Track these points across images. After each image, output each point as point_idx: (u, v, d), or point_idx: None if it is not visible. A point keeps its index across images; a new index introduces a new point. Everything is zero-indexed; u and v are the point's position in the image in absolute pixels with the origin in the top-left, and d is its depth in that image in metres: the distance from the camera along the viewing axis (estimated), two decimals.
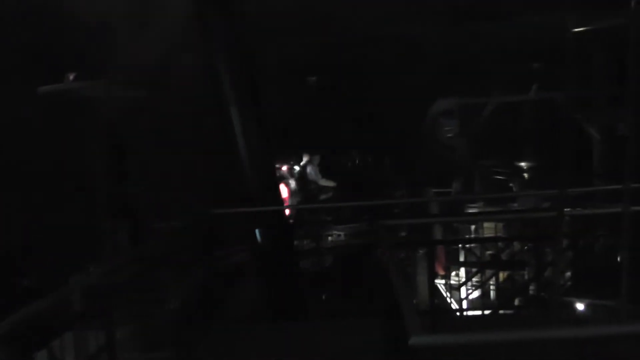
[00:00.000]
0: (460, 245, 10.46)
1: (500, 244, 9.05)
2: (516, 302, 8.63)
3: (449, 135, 15.39)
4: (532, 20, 11.22)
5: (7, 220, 7.00)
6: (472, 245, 9.56)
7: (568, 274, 7.43)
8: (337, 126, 15.06)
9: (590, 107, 12.27)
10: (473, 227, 10.79)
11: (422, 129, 15.28)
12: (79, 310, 4.26)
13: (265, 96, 7.49)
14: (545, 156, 13.38)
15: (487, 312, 7.37)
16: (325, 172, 13.18)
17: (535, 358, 3.23)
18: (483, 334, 2.90)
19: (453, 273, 10.99)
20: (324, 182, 12.87)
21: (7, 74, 7.02)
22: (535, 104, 13.94)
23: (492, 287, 9.00)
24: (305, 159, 12.99)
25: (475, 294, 9.22)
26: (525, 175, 14.27)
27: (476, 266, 9.17)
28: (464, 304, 9.02)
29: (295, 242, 9.63)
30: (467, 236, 10.82)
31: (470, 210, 11.71)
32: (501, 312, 7.60)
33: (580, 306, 7.38)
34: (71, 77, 6.17)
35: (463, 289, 9.63)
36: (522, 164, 14.33)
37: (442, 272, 10.66)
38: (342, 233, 11.07)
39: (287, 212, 10.86)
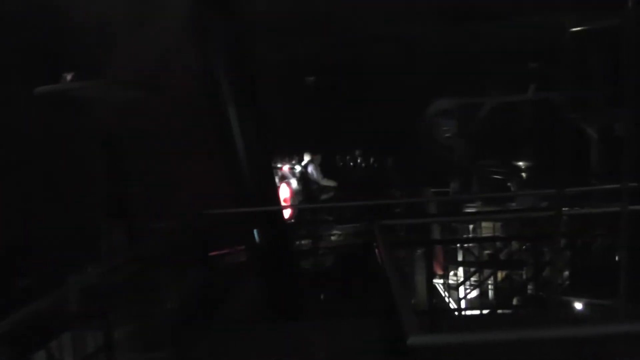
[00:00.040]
0: (458, 245, 10.47)
1: (498, 243, 9.07)
2: (514, 301, 8.63)
3: (447, 135, 15.42)
4: (530, 20, 11.22)
5: (4, 220, 6.98)
6: (470, 244, 9.58)
7: (566, 273, 7.44)
8: (337, 126, 15.07)
9: (588, 107, 12.27)
10: (471, 226, 10.82)
11: (420, 129, 15.31)
12: (77, 310, 4.26)
13: (265, 96, 7.50)
14: (543, 156, 13.40)
15: (485, 311, 7.37)
16: (326, 172, 13.20)
17: (534, 357, 3.23)
18: (481, 334, 2.90)
19: (451, 273, 11.00)
20: (326, 182, 12.89)
21: (7, 74, 7.01)
22: (533, 104, 13.96)
23: (490, 286, 8.99)
24: (306, 159, 13.00)
25: (474, 293, 9.22)
26: (523, 175, 14.28)
27: (474, 266, 9.17)
28: (462, 304, 9.03)
29: (297, 242, 9.67)
30: (465, 236, 10.85)
31: (468, 210, 11.72)
32: (499, 311, 7.61)
33: (578, 305, 7.37)
34: (68, 77, 6.14)
35: (461, 289, 9.64)
36: (520, 163, 14.34)
37: (440, 272, 10.67)
38: (340, 232, 11.07)
39: (287, 212, 10.89)
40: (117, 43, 7.20)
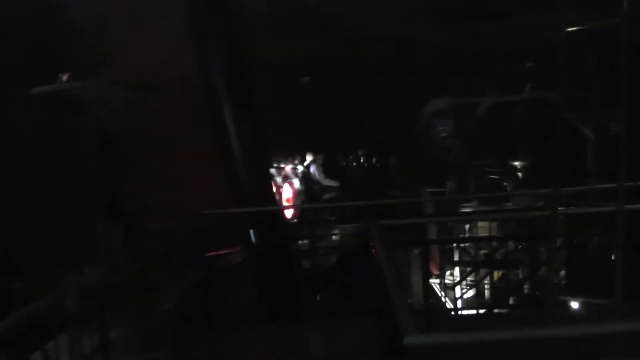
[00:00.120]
0: (454, 245, 10.49)
1: (494, 243, 9.09)
2: (511, 301, 8.66)
3: (443, 135, 15.45)
4: (526, 20, 11.26)
5: (3, 220, 6.97)
6: (467, 244, 9.59)
7: (562, 272, 7.47)
8: (338, 126, 15.09)
9: (584, 107, 12.31)
10: (467, 226, 10.83)
11: (417, 129, 15.33)
12: (75, 310, 4.26)
13: (267, 97, 7.50)
14: (539, 155, 13.44)
15: (481, 311, 7.40)
16: (328, 172, 13.21)
17: (530, 357, 3.25)
18: (478, 333, 2.91)
19: (447, 272, 11.02)
20: (328, 182, 12.90)
21: (6, 74, 7.00)
22: (529, 103, 14.00)
23: (486, 286, 9.02)
24: (308, 159, 13.02)
25: (470, 293, 9.25)
26: (519, 174, 14.32)
27: (471, 265, 9.19)
28: (459, 303, 9.05)
29: (297, 242, 9.66)
30: (461, 235, 10.86)
31: (464, 210, 11.75)
32: (496, 311, 7.64)
33: (574, 305, 7.41)
34: (65, 77, 6.13)
35: (458, 288, 9.66)
36: (516, 163, 14.38)
37: (436, 272, 10.69)
38: (340, 232, 11.07)
39: (289, 212, 10.90)
40: (115, 43, 7.20)
